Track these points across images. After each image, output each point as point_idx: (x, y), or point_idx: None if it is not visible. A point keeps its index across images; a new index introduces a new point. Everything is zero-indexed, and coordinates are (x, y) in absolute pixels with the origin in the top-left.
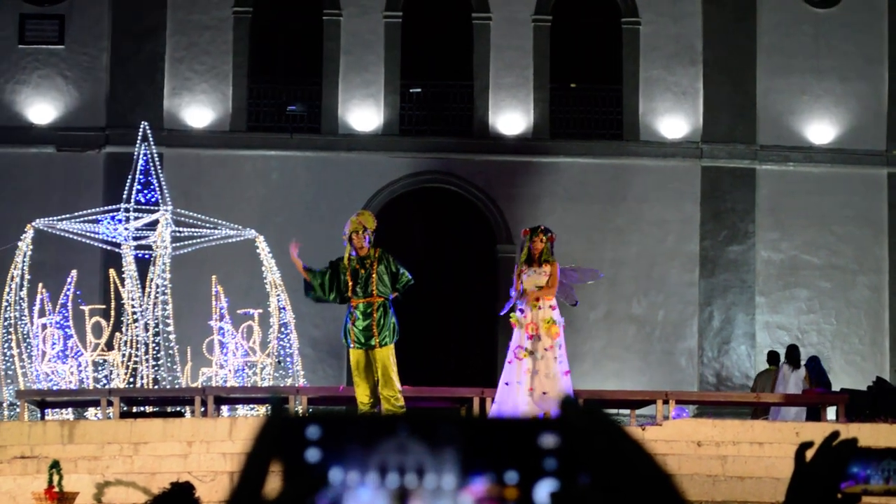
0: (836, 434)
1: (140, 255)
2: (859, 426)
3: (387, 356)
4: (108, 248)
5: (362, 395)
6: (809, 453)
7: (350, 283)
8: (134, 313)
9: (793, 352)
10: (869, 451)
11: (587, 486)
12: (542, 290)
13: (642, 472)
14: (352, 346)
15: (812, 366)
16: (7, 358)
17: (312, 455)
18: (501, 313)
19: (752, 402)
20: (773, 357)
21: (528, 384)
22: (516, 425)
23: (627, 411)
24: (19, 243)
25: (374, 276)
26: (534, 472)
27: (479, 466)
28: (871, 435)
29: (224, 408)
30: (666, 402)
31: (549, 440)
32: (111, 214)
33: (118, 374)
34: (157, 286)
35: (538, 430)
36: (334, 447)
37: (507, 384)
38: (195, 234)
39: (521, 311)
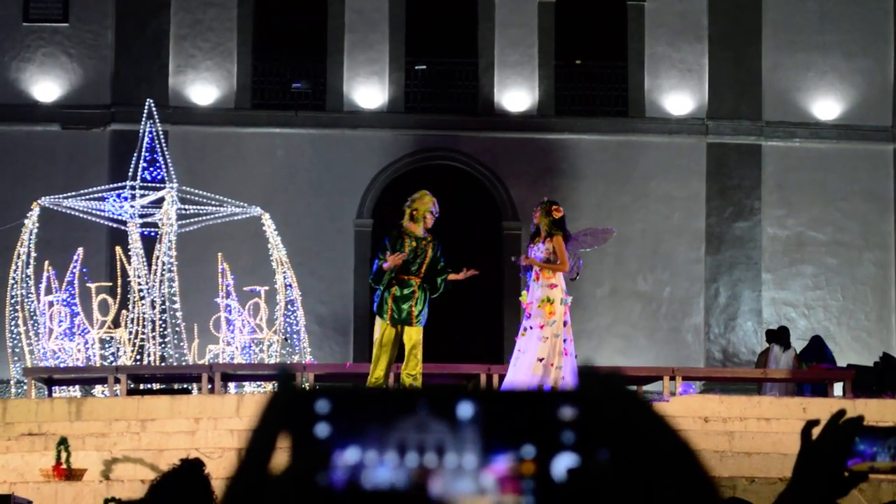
0: (842, 412)
1: (146, 232)
2: (866, 402)
3: (419, 336)
4: (115, 225)
5: (379, 371)
6: (816, 431)
7: (406, 258)
8: (140, 291)
9: (782, 333)
10: (875, 428)
11: (606, 462)
12: (543, 268)
13: (664, 447)
14: (385, 319)
15: (815, 344)
16: (14, 335)
17: (322, 430)
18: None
19: (758, 378)
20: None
21: (516, 362)
22: (534, 398)
23: (634, 388)
24: (25, 221)
25: (427, 258)
26: (551, 446)
27: (500, 444)
28: (878, 410)
29: (231, 385)
30: (672, 378)
31: (566, 413)
32: (117, 192)
33: (125, 352)
34: (164, 263)
35: (557, 403)
36: (345, 423)
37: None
38: (201, 211)
39: (527, 288)
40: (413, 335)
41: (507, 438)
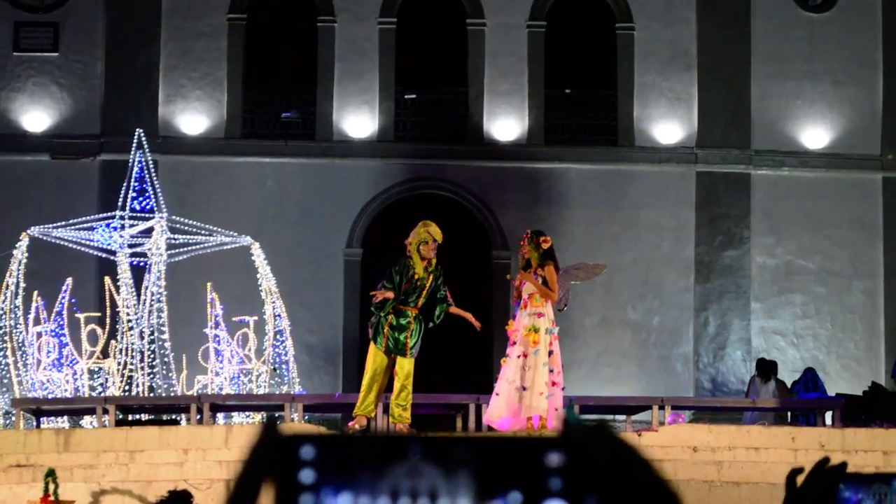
0: (826, 459)
1: (135, 262)
2: (855, 431)
3: (411, 367)
4: (104, 255)
5: (369, 399)
6: (800, 479)
7: (406, 287)
8: (129, 321)
9: (763, 365)
10: (860, 475)
11: None
12: (531, 296)
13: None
14: (380, 346)
15: (809, 377)
16: (2, 366)
17: (307, 476)
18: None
19: (747, 408)
20: (771, 366)
21: (497, 388)
22: (521, 444)
23: (623, 417)
24: (14, 251)
25: (426, 289)
26: (539, 492)
27: (493, 489)
28: (867, 440)
29: (220, 415)
30: (662, 407)
31: (554, 459)
32: (106, 222)
33: (114, 382)
34: (153, 294)
35: (543, 449)
36: (331, 468)
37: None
38: (190, 241)
39: (514, 316)
40: (405, 366)
41: (496, 485)
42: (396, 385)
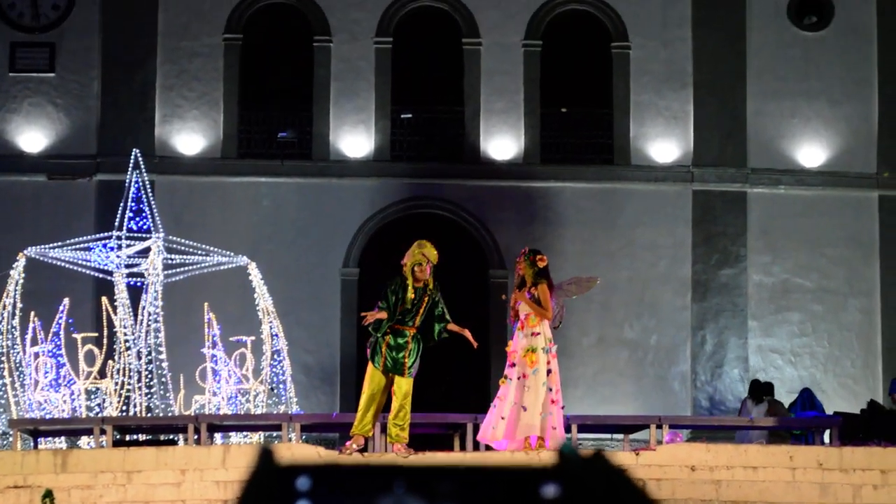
0: None
1: (132, 282)
2: (853, 450)
3: (409, 387)
4: (101, 275)
5: (367, 419)
6: None
7: (400, 309)
8: (126, 341)
9: (755, 386)
10: None
11: None
12: (527, 316)
13: None
14: (378, 366)
15: (805, 396)
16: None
17: None
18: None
19: (745, 427)
20: (766, 387)
21: (499, 410)
22: (514, 475)
23: (621, 436)
24: (11, 272)
25: (423, 308)
26: None
27: None
28: (865, 458)
29: (217, 435)
30: (659, 426)
31: (549, 490)
32: (103, 242)
33: (111, 403)
34: (150, 314)
35: (538, 481)
36: (327, 499)
37: (493, 406)
38: (187, 261)
39: (512, 337)
40: (403, 385)
41: None
42: (394, 405)
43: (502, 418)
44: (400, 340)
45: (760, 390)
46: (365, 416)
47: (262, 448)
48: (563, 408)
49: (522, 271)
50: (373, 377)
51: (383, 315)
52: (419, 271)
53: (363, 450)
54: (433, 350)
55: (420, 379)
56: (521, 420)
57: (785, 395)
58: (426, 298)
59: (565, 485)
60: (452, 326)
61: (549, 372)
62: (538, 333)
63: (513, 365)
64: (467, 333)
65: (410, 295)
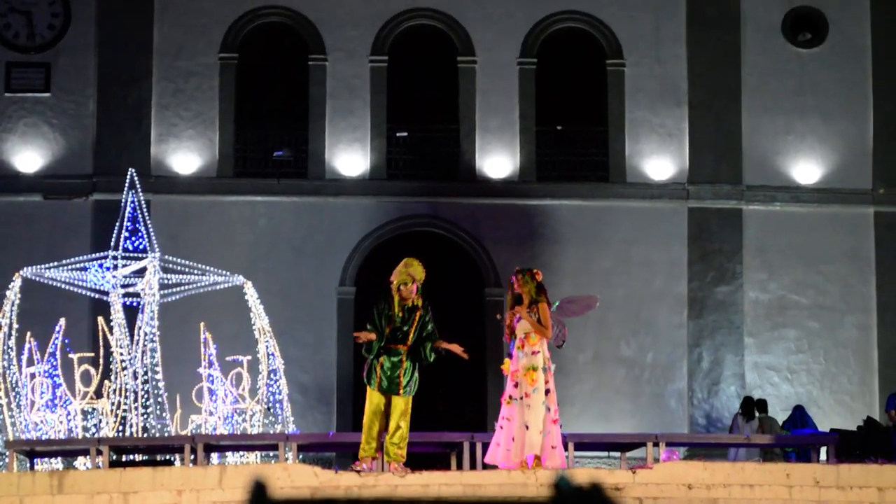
0: None
1: (128, 302)
2: (850, 467)
3: (407, 406)
4: (97, 295)
5: (372, 441)
6: None
7: (388, 329)
8: (122, 361)
9: (747, 404)
10: None
11: None
12: (527, 335)
13: None
14: (374, 388)
15: (797, 415)
16: None
17: None
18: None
19: (742, 444)
20: (760, 404)
21: (508, 431)
22: None
23: (618, 454)
24: (7, 292)
25: (414, 325)
26: None
27: None
28: (862, 475)
29: (214, 455)
30: (656, 444)
31: None
32: (99, 262)
33: (107, 423)
34: (146, 334)
35: None
36: None
37: (500, 427)
38: (183, 280)
39: (510, 355)
40: (400, 404)
41: None
42: (391, 424)
43: (512, 439)
44: (394, 360)
45: (752, 407)
46: (369, 438)
47: (255, 482)
48: (561, 426)
49: (519, 290)
50: (371, 399)
51: (372, 336)
52: (405, 290)
53: (371, 470)
54: (429, 369)
55: (416, 397)
56: (528, 439)
57: (780, 413)
58: (417, 316)
59: None
60: (441, 343)
61: (547, 391)
62: (538, 352)
63: (516, 385)
64: (455, 348)
65: (399, 313)
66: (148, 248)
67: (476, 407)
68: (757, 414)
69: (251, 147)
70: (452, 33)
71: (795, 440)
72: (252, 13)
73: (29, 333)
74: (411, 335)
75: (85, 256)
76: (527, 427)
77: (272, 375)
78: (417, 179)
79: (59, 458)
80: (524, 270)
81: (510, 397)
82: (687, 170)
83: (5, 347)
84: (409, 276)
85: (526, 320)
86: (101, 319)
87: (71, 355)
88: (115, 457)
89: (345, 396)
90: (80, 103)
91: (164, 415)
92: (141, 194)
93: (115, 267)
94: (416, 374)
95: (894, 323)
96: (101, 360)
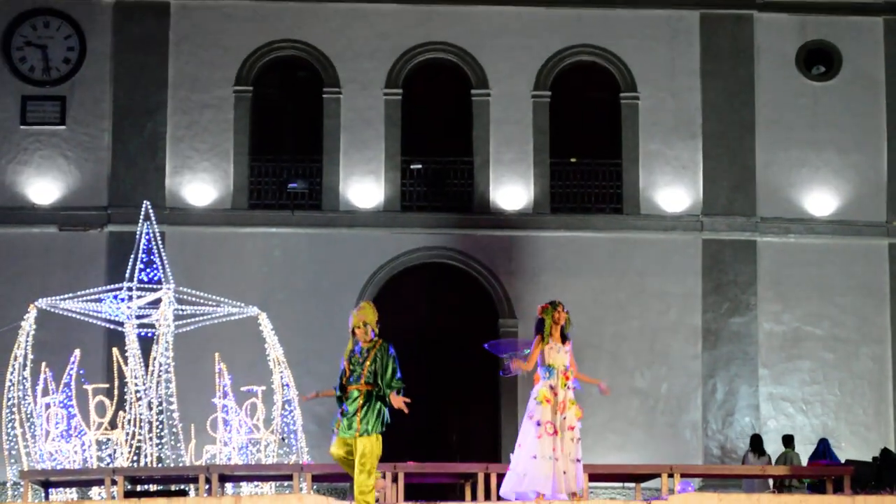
0: None
1: (143, 333)
2: (865, 498)
3: (371, 445)
4: (111, 326)
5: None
6: None
7: (348, 373)
8: (137, 392)
9: (756, 441)
10: None
11: None
12: (570, 369)
13: None
14: (336, 433)
15: (822, 448)
16: (10, 437)
17: None
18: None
19: (756, 476)
20: (787, 440)
21: (555, 461)
22: None
23: (632, 485)
24: (22, 323)
25: (367, 364)
26: None
27: None
28: None
29: (228, 485)
30: (671, 475)
31: None
32: (114, 293)
33: (122, 453)
34: (161, 364)
35: None
36: None
37: (534, 457)
38: (198, 311)
39: (552, 387)
40: (362, 446)
41: None
42: (356, 468)
43: (564, 473)
44: (352, 402)
45: (761, 443)
46: (358, 486)
47: None
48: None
49: (559, 322)
50: (335, 446)
51: (330, 393)
52: (359, 333)
53: None
54: (444, 398)
55: (431, 427)
56: (568, 473)
57: (798, 446)
58: (371, 355)
59: None
60: (393, 398)
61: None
62: (575, 388)
63: (562, 414)
64: (398, 403)
65: (356, 356)
66: (162, 280)
67: (490, 438)
68: (784, 449)
69: (266, 179)
70: (467, 66)
71: (812, 472)
72: (267, 46)
73: (44, 364)
74: (364, 375)
75: (100, 288)
76: (578, 460)
77: (287, 406)
78: (432, 211)
79: (74, 489)
80: (559, 304)
81: (553, 426)
82: (701, 201)
83: (20, 378)
84: (360, 321)
85: (564, 353)
86: (115, 350)
87: (86, 386)
88: (129, 487)
89: None
90: (95, 136)
91: (178, 445)
92: (156, 226)
93: (130, 298)
94: (382, 414)
95: None
96: (116, 391)
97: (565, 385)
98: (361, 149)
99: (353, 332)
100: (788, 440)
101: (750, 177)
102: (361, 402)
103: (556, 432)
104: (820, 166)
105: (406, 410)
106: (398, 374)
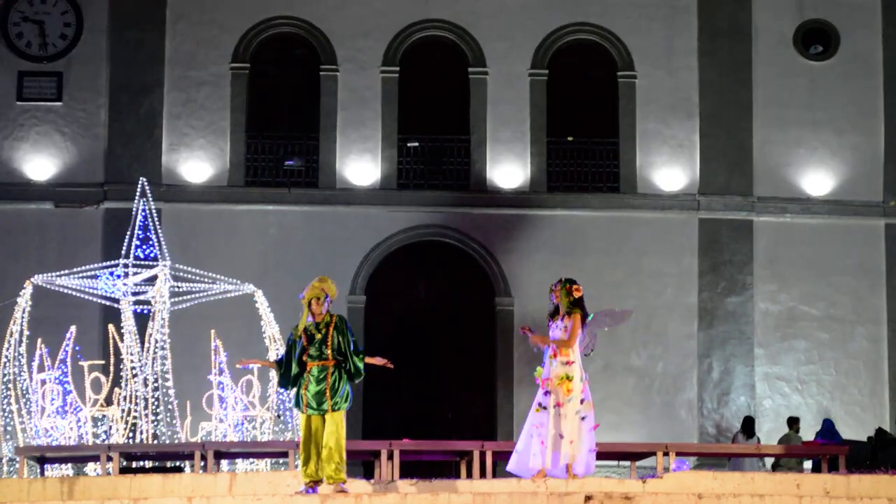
0: None
1: (139, 310)
2: (860, 478)
3: (340, 422)
4: (107, 303)
5: (310, 469)
6: None
7: (306, 347)
8: (133, 368)
9: (747, 423)
10: None
11: None
12: (560, 345)
13: None
14: (304, 411)
15: (827, 428)
16: (6, 414)
17: None
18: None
19: (751, 454)
20: (791, 421)
21: (539, 438)
22: None
23: (628, 463)
24: (18, 299)
25: (329, 339)
26: None
27: None
28: (872, 486)
29: (224, 462)
30: (666, 454)
31: None
32: (110, 270)
33: (117, 430)
34: (156, 341)
35: None
36: None
37: (530, 436)
38: (194, 288)
39: (543, 364)
40: (329, 423)
41: None
42: (322, 446)
43: (542, 443)
44: (319, 377)
45: (753, 426)
46: (308, 462)
47: None
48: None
49: (558, 299)
50: (303, 424)
51: (270, 365)
52: (315, 305)
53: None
54: (440, 376)
55: (427, 406)
56: (562, 448)
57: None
58: (330, 331)
59: None
60: (370, 359)
61: (582, 401)
62: (573, 362)
63: (547, 393)
64: (378, 361)
65: (307, 327)
66: (158, 257)
67: (485, 416)
68: (788, 430)
69: (262, 156)
70: (464, 44)
71: (806, 451)
72: (264, 23)
73: (40, 340)
74: (330, 350)
75: (96, 264)
76: (561, 436)
77: (280, 388)
78: (428, 189)
79: (70, 465)
80: (566, 282)
81: (540, 405)
82: (698, 181)
83: (16, 354)
84: (322, 292)
85: (559, 329)
86: (111, 327)
87: (81, 362)
88: (125, 463)
89: (354, 403)
90: (91, 112)
91: (174, 422)
92: (152, 203)
93: (126, 275)
94: (347, 388)
95: None
96: (112, 368)
97: (552, 361)
98: (358, 126)
99: (310, 304)
100: (793, 422)
101: (747, 156)
102: (330, 378)
103: (542, 410)
104: (817, 146)
105: (391, 366)
106: (359, 346)
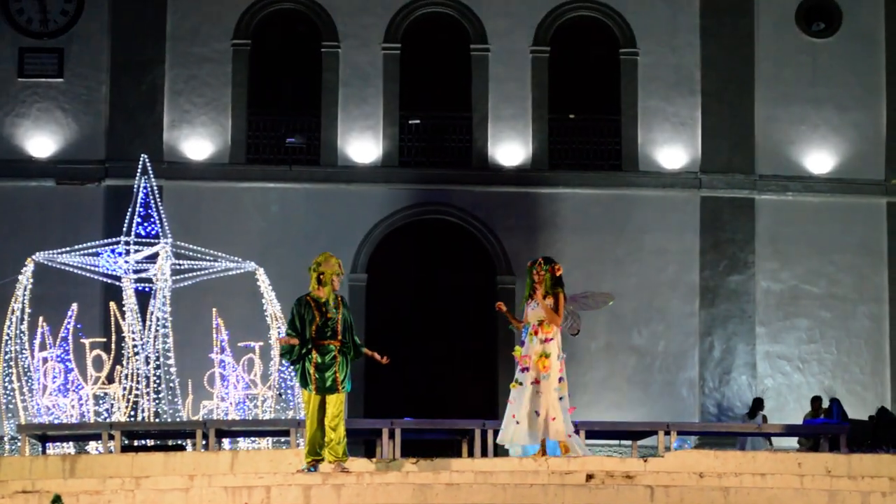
0: None
1: (140, 287)
2: (861, 457)
3: (342, 405)
4: (109, 281)
5: (317, 442)
6: None
7: (318, 324)
8: (134, 346)
9: (755, 403)
10: None
11: None
12: (541, 324)
13: None
14: (311, 390)
15: (835, 408)
16: (8, 392)
17: None
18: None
19: (753, 433)
20: (815, 400)
21: (510, 412)
22: None
23: (629, 442)
24: (20, 277)
25: (339, 320)
26: None
27: None
28: (873, 465)
29: (225, 441)
30: (667, 433)
31: None
32: (111, 247)
33: (119, 408)
34: (158, 319)
35: None
36: None
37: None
38: (195, 266)
39: (523, 342)
40: (334, 403)
41: None
42: (326, 424)
43: (517, 423)
44: (327, 358)
45: (755, 406)
46: (314, 441)
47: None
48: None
49: (538, 279)
50: (309, 402)
51: (295, 341)
52: (337, 282)
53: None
54: (441, 354)
55: (427, 384)
56: (538, 426)
57: (793, 404)
58: (340, 311)
59: None
60: (367, 351)
61: (560, 379)
62: (551, 339)
63: (525, 369)
64: (375, 356)
65: (328, 309)
66: (160, 234)
67: (487, 394)
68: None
69: (264, 134)
70: (466, 21)
71: (808, 430)
72: (266, 0)
73: (41, 318)
74: (340, 329)
75: (97, 242)
76: (536, 413)
77: (284, 361)
78: (430, 167)
79: (71, 443)
80: (546, 261)
81: (516, 381)
82: (700, 159)
83: (18, 332)
84: (341, 269)
85: (541, 307)
86: (113, 305)
87: (83, 340)
88: (126, 441)
89: (356, 382)
90: (93, 89)
91: (175, 400)
92: (153, 180)
93: (128, 252)
94: (349, 369)
95: None
96: (114, 345)
97: (532, 339)
98: (360, 104)
99: (331, 280)
100: (815, 400)
101: (749, 134)
102: (339, 357)
103: (518, 385)
104: (819, 124)
105: (386, 361)
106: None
